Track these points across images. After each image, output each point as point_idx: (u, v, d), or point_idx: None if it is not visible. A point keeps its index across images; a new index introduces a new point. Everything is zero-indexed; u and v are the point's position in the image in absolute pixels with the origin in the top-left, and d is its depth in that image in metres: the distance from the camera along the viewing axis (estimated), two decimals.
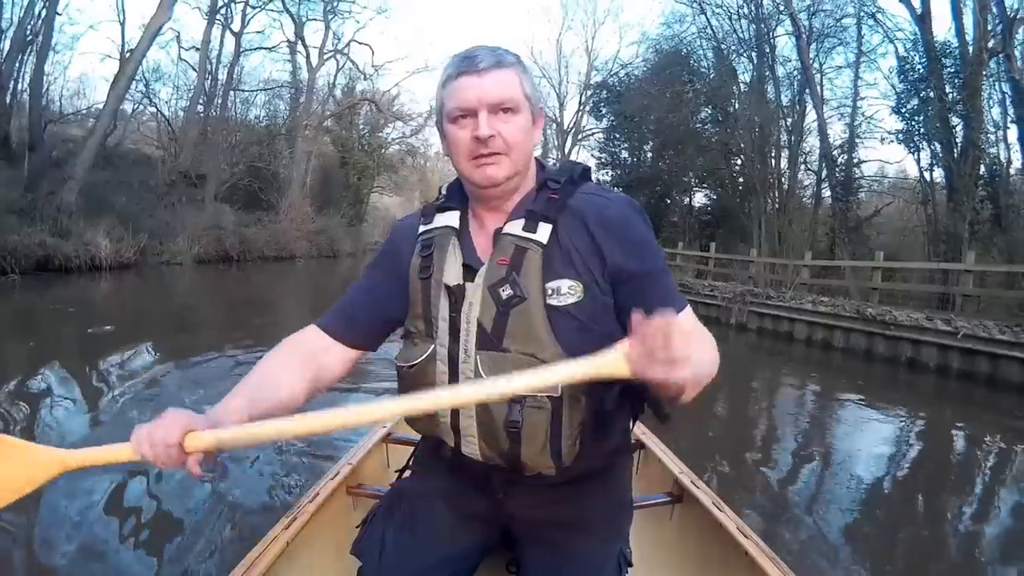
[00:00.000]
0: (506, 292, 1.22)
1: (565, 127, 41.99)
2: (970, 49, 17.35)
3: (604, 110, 35.86)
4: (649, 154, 32.24)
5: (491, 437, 1.27)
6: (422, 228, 1.39)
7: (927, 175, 19.65)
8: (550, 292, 1.21)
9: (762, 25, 23.24)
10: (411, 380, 1.35)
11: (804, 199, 23.94)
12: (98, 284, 16.09)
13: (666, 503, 2.14)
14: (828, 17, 22.05)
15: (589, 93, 38.69)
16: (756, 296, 14.01)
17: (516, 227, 1.25)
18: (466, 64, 1.23)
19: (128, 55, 23.13)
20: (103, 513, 3.27)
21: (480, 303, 1.24)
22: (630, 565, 1.49)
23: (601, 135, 36.86)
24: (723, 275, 18.81)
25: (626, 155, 33.37)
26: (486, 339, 1.24)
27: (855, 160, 22.55)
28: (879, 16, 21.06)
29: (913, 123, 19.50)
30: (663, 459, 2.32)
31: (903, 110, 19.63)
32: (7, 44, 21.30)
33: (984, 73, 17.02)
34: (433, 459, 1.49)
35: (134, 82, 23.75)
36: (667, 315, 0.86)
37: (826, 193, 23.06)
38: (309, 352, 1.39)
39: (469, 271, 1.28)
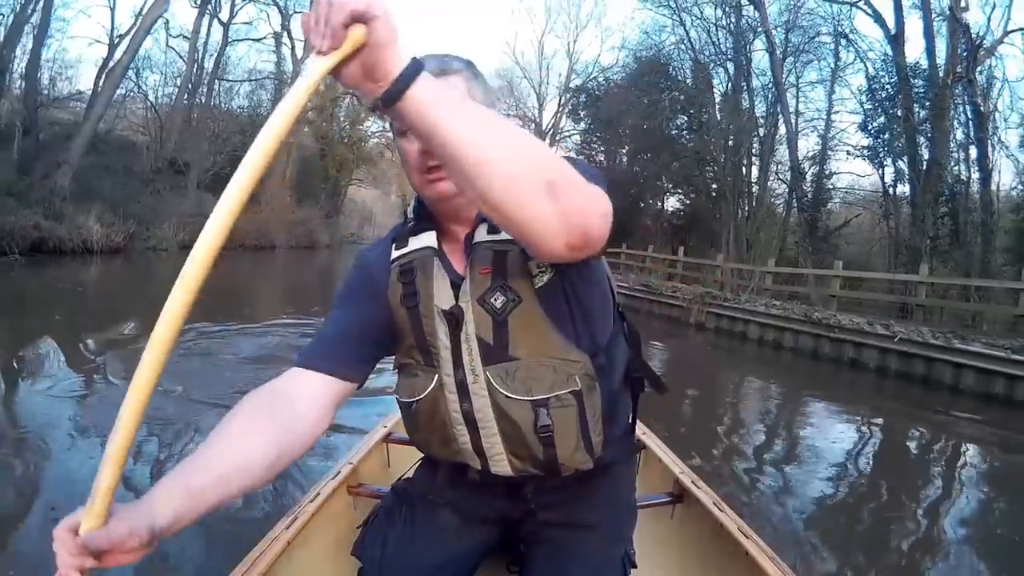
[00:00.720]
0: (499, 300, 1.18)
1: (544, 128, 42.79)
2: (940, 71, 18.51)
3: (582, 113, 36.81)
4: (624, 158, 33.10)
5: (521, 449, 1.23)
6: (396, 254, 1.31)
7: (890, 190, 20.88)
8: (535, 279, 1.17)
9: (739, 38, 24.32)
10: (421, 415, 1.30)
11: (776, 208, 25.05)
12: (92, 267, 16.75)
13: (667, 503, 2.16)
14: (804, 34, 23.30)
15: (568, 96, 39.61)
16: (715, 298, 14.99)
17: (483, 232, 1.21)
18: None
19: (118, 40, 24.02)
20: None
21: (473, 319, 1.20)
22: (634, 566, 1.49)
23: (578, 137, 37.82)
24: (692, 278, 19.35)
25: (602, 158, 34.19)
26: (491, 353, 1.20)
27: (826, 172, 23.89)
28: (852, 36, 22.31)
29: (878, 140, 20.71)
30: (664, 459, 2.35)
31: (869, 127, 20.83)
32: (1, 29, 21.79)
33: (950, 96, 18.15)
34: (437, 468, 1.48)
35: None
36: None
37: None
38: (276, 397, 1.17)
39: (454, 288, 1.22)
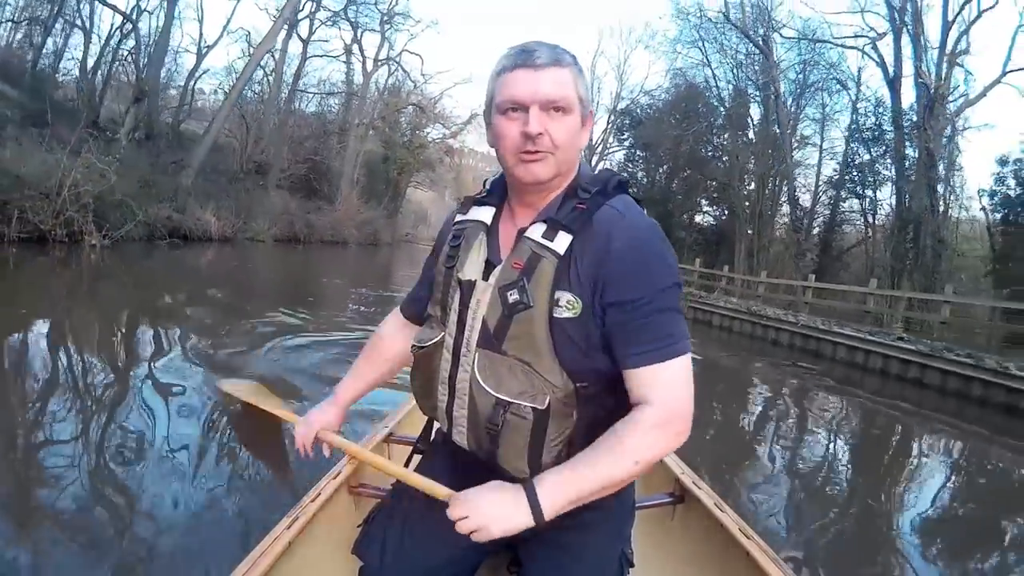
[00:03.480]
0: (513, 297, 1.26)
1: (593, 143, 46.25)
2: (912, 116, 22.86)
3: (625, 134, 41.10)
4: (664, 176, 37.23)
5: (476, 431, 1.36)
6: (458, 218, 1.48)
7: (869, 217, 25.28)
8: (557, 301, 1.24)
9: (766, 75, 28.54)
10: (420, 361, 1.50)
11: (779, 229, 29.44)
12: (215, 252, 21.33)
13: (667, 503, 2.20)
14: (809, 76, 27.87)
15: (614, 117, 43.60)
16: (693, 296, 19.93)
17: (537, 232, 1.28)
18: (523, 57, 1.25)
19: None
20: (101, 512, 3.31)
21: (488, 302, 1.30)
22: (631, 565, 1.53)
23: (622, 155, 41.66)
24: (706, 286, 23.96)
25: (642, 175, 38.21)
26: (488, 338, 1.30)
27: (842, 197, 28.46)
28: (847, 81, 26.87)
29: (858, 174, 25.30)
30: (664, 459, 2.33)
31: (850, 162, 25.46)
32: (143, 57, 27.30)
33: (902, 140, 22.69)
34: (436, 459, 1.62)
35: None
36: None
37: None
38: (398, 329, 1.79)
39: (490, 267, 1.34)
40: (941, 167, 21.78)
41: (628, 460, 1.18)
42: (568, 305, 1.23)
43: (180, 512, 3.29)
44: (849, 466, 6.47)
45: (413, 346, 1.51)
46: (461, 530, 1.17)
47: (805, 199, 29.89)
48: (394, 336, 1.77)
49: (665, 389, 1.21)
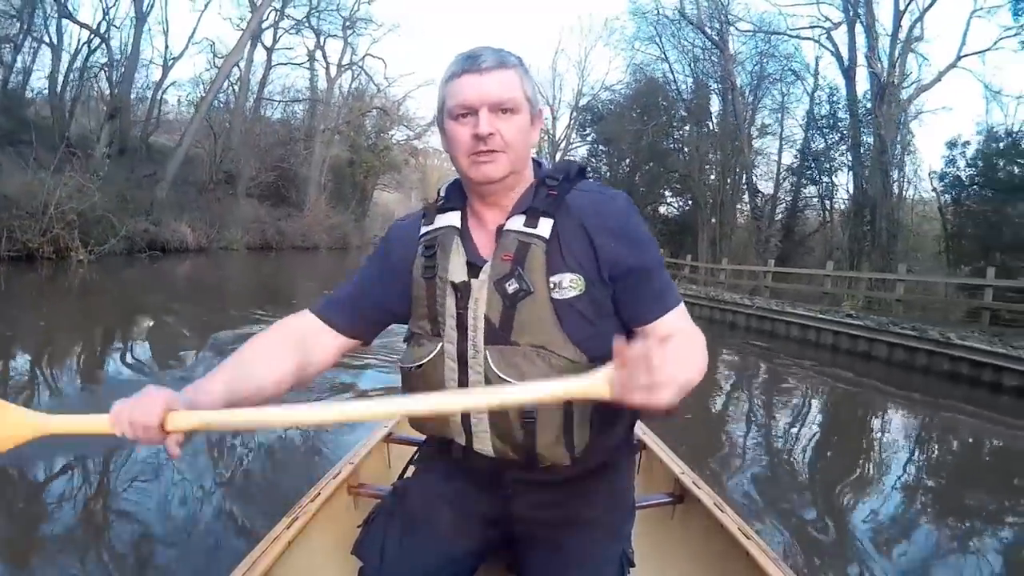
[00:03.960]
0: (512, 287, 1.26)
1: (557, 140, 46.25)
2: (867, 104, 24.00)
3: (588, 129, 41.85)
4: (626, 169, 37.71)
5: (505, 431, 1.32)
6: (424, 229, 1.44)
7: (827, 202, 26.42)
8: (553, 286, 1.26)
9: (724, 68, 29.56)
10: (419, 380, 1.41)
11: (741, 217, 30.59)
12: (192, 262, 22.02)
13: (667, 503, 2.21)
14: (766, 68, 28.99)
15: (576, 113, 44.38)
16: None
17: (518, 223, 1.31)
18: (469, 63, 1.28)
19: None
20: (101, 511, 3.34)
21: (486, 299, 1.29)
22: (632, 565, 1.53)
23: (585, 150, 42.08)
24: (672, 276, 24.58)
25: (606, 169, 38.70)
26: (495, 334, 1.29)
27: (787, 187, 29.54)
28: (802, 73, 28.02)
29: (813, 162, 26.48)
30: (664, 459, 2.38)
31: (805, 152, 26.67)
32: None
33: (858, 128, 23.85)
34: (436, 460, 1.58)
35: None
36: (651, 342, 0.89)
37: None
38: (299, 336, 1.43)
39: (473, 268, 1.33)
40: (895, 151, 22.90)
41: (700, 347, 1.21)
42: (572, 284, 1.27)
43: (172, 517, 3.29)
44: (800, 431, 7.28)
45: (407, 367, 1.44)
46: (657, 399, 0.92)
47: (768, 187, 31.12)
48: (318, 335, 1.46)
49: (686, 322, 1.31)
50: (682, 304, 1.32)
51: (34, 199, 15.31)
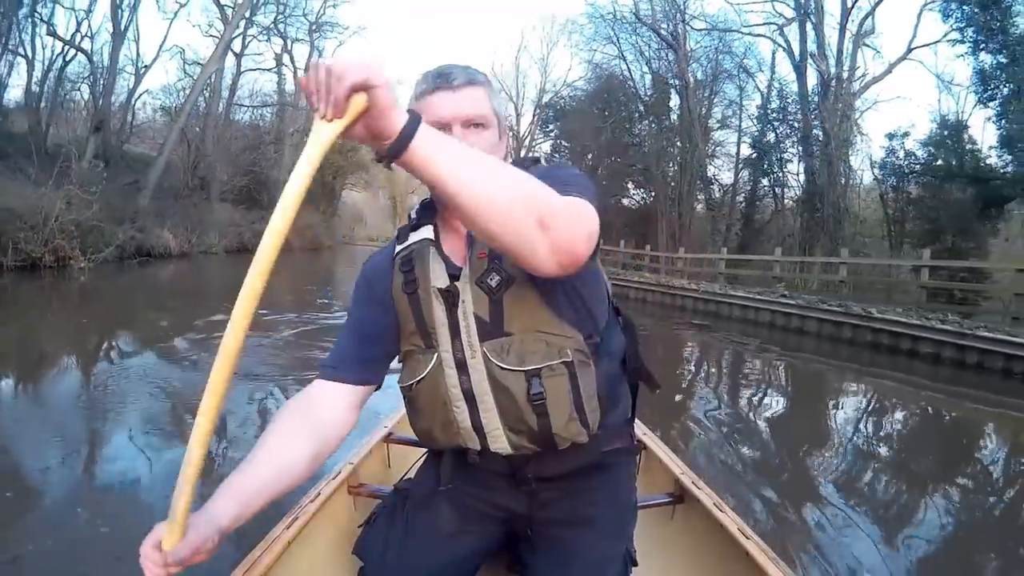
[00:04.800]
0: (494, 280, 1.29)
1: (521, 136, 47.36)
2: (815, 99, 25.81)
3: (551, 126, 43.35)
4: (589, 163, 38.47)
5: (517, 421, 1.33)
6: (398, 248, 1.46)
7: (778, 191, 28.29)
8: None
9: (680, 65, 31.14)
10: (422, 394, 1.41)
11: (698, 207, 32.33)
12: (176, 266, 23.19)
13: (667, 503, 2.23)
14: (718, 66, 30.79)
15: (539, 110, 45.56)
16: (612, 274, 22.85)
17: None
18: (441, 80, 1.32)
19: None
20: (100, 511, 3.38)
21: (472, 298, 1.31)
22: (635, 564, 1.57)
23: (548, 146, 43.59)
24: (634, 266, 26.67)
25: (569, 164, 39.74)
26: (487, 330, 1.31)
27: (745, 177, 31.46)
28: (753, 71, 29.92)
29: (764, 154, 28.40)
30: (664, 460, 2.40)
31: (757, 144, 28.79)
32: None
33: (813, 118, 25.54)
34: (439, 463, 1.58)
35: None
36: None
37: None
38: (310, 415, 1.40)
39: (450, 273, 1.35)
40: (839, 143, 24.53)
41: (525, 188, 1.03)
42: None
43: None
44: (738, 391, 8.67)
45: (407, 386, 1.43)
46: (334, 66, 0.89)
47: (729, 177, 32.97)
48: (332, 397, 1.46)
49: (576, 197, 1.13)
50: (582, 200, 1.14)
51: (36, 212, 16.49)
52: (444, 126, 1.29)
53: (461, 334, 1.33)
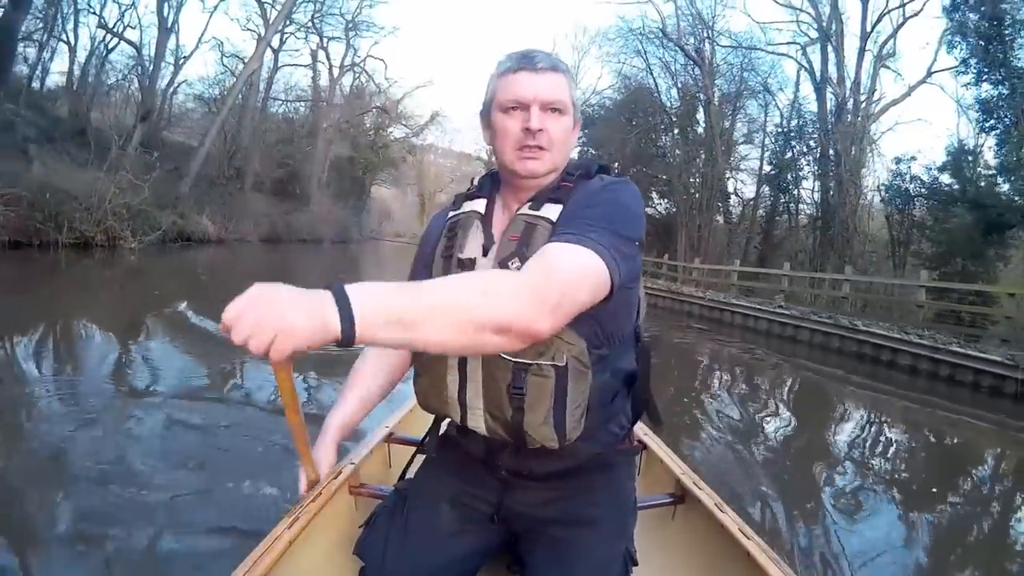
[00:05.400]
0: (515, 264, 1.30)
1: None
2: (831, 119, 26.77)
3: (580, 134, 43.66)
4: (616, 172, 39.72)
5: (496, 408, 1.36)
6: (451, 214, 1.53)
7: (793, 208, 29.29)
8: None
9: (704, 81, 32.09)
10: (428, 358, 1.46)
11: (717, 219, 33.33)
12: (215, 251, 24.51)
13: (668, 504, 2.20)
14: (742, 83, 31.78)
15: None
16: None
17: (527, 207, 1.38)
18: (525, 61, 1.35)
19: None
20: (99, 511, 3.32)
21: None
22: (635, 564, 1.56)
23: (576, 154, 43.76)
24: (654, 274, 27.47)
25: None
26: None
27: (766, 192, 32.46)
28: (774, 90, 30.96)
29: (781, 172, 29.45)
30: (665, 460, 2.37)
31: (775, 161, 29.83)
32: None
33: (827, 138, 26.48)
34: (436, 458, 1.67)
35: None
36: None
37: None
38: (383, 357, 1.72)
39: (485, 249, 1.40)
40: (848, 164, 25.43)
41: (476, 287, 1.05)
42: None
43: (172, 517, 3.29)
44: (730, 388, 9.58)
45: None
46: (236, 336, 0.93)
47: (750, 191, 33.81)
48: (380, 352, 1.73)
49: (558, 259, 1.15)
50: (597, 258, 1.16)
51: (90, 194, 17.77)
52: (524, 106, 1.36)
53: None
